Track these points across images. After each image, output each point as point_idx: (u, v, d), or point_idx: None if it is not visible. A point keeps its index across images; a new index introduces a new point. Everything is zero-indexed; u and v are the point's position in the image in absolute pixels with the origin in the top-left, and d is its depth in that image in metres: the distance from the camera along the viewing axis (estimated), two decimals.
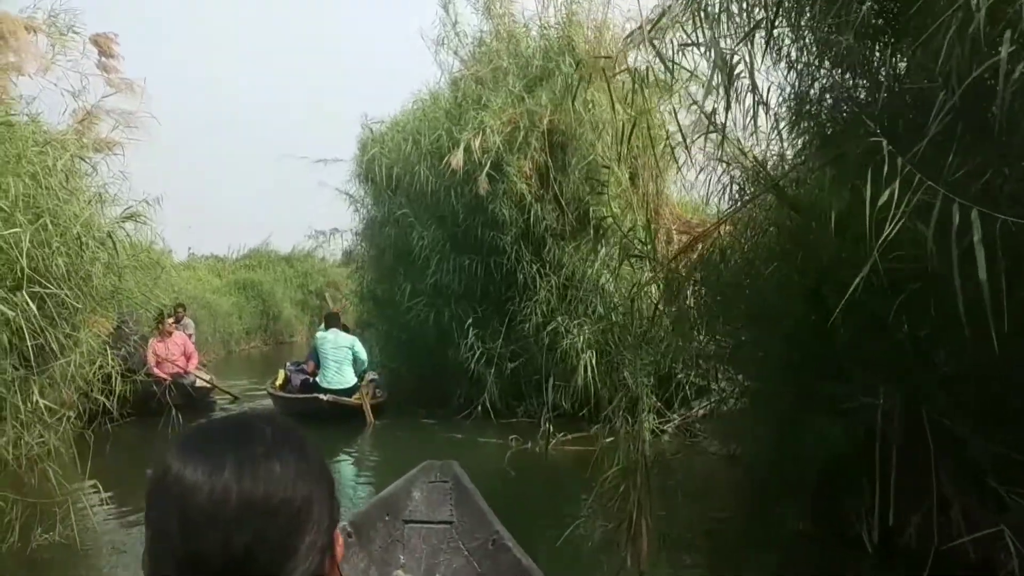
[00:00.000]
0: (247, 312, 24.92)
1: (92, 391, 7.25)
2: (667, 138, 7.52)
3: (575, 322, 8.67)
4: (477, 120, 9.06)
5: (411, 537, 3.52)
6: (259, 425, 0.83)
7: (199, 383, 11.67)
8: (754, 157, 4.34)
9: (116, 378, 7.47)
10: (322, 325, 11.33)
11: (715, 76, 3.54)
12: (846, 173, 3.25)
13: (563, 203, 9.12)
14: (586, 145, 9.08)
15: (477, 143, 8.74)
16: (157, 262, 10.57)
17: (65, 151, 5.57)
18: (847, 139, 3.38)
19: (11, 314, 4.31)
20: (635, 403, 8.22)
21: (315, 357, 10.48)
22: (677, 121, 4.65)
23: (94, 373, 7.29)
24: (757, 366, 5.39)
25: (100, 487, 7.02)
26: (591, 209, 9.21)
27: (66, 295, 5.04)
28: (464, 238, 9.78)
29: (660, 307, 8.61)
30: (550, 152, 9.13)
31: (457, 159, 8.57)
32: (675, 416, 8.36)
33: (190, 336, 12.90)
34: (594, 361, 8.32)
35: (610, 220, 6.12)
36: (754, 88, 4.20)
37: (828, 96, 3.87)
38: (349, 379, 10.12)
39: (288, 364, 11.74)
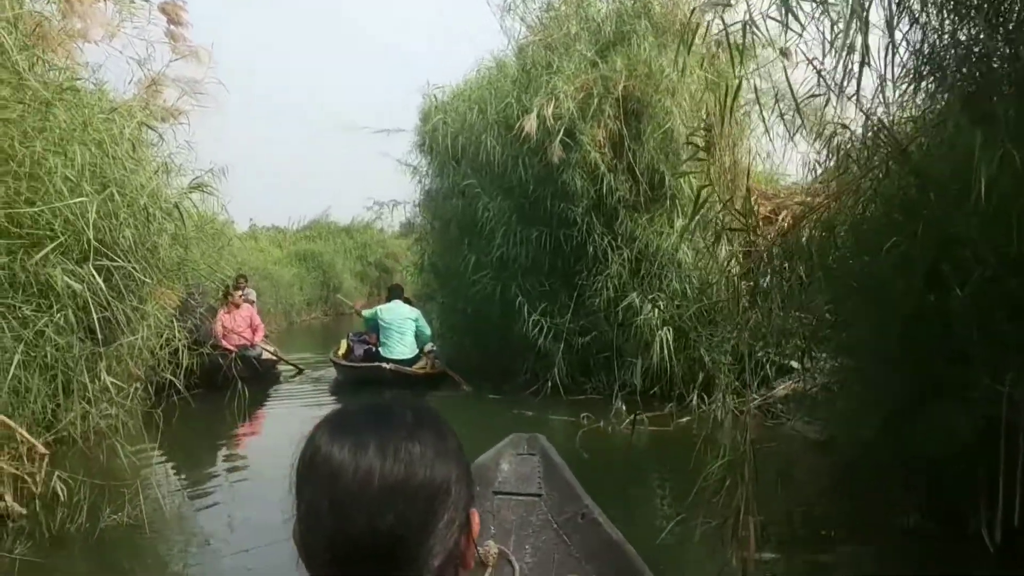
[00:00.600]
0: (308, 283, 25.08)
1: (159, 365, 7.18)
2: (758, 102, 7.04)
3: (649, 297, 8.30)
4: (549, 86, 8.68)
5: (500, 508, 3.49)
6: (400, 409, 0.86)
7: (265, 355, 11.65)
8: (878, 120, 3.93)
9: (183, 351, 7.39)
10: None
11: (851, 24, 3.14)
12: (994, 137, 2.84)
13: (637, 173, 8.71)
14: (662, 112, 8.65)
15: (549, 110, 8.38)
16: (222, 233, 10.57)
17: (132, 119, 5.38)
18: (993, 99, 2.97)
19: (78, 287, 4.15)
20: (738, 392, 7.85)
21: (376, 328, 10.61)
22: (789, 82, 4.22)
23: (161, 346, 7.21)
24: (862, 346, 4.98)
25: (168, 464, 6.99)
26: (667, 179, 8.78)
27: (133, 268, 4.86)
28: (532, 210, 9.46)
29: (743, 281, 8.23)
30: (624, 120, 8.72)
31: (531, 123, 8.22)
32: (755, 396, 7.97)
33: (251, 304, 12.85)
34: (671, 339, 7.95)
35: (709, 189, 5.70)
36: (866, 47, 3.80)
37: (965, 51, 3.43)
38: (411, 351, 10.35)
39: (350, 334, 11.88)
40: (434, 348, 10.81)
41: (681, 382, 8.30)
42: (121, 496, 4.72)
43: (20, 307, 3.82)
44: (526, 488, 3.51)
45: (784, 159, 9.53)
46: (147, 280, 6.45)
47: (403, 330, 10.40)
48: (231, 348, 10.16)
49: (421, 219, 14.87)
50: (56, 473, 4.64)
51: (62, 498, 4.65)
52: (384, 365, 9.74)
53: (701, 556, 4.05)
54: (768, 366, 8.03)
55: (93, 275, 4.35)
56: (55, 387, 4.16)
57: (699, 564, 4.07)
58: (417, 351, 10.44)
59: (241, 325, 11.49)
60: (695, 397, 8.10)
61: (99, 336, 5.15)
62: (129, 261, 4.94)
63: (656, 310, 8.17)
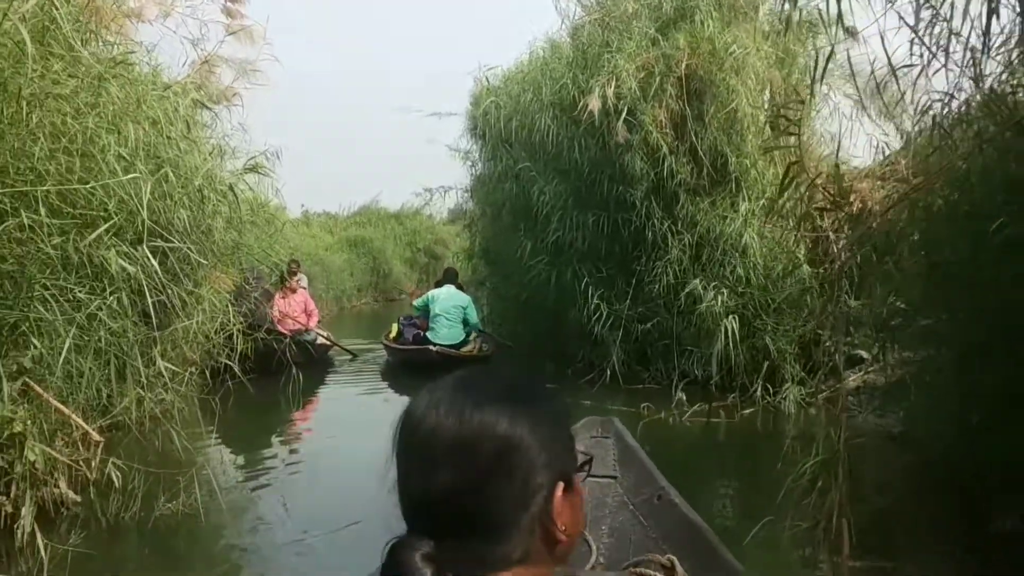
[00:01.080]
0: (358, 269, 25.18)
1: (214, 349, 7.10)
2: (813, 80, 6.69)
3: (712, 284, 7.99)
4: (610, 65, 8.39)
5: None
6: (489, 374, 0.90)
7: (320, 340, 11.64)
8: (990, 89, 3.60)
9: (238, 335, 7.30)
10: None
11: None
12: None
13: (700, 155, 8.38)
14: (726, 91, 8.30)
15: (611, 89, 8.09)
16: (275, 218, 10.52)
17: (185, 97, 5.25)
18: None
19: (132, 270, 4.02)
20: (804, 383, 7.47)
21: (426, 312, 10.77)
22: (886, 50, 3.89)
23: (216, 331, 7.13)
24: (949, 336, 4.65)
25: (224, 450, 6.91)
26: (731, 161, 8.44)
27: (189, 249, 4.72)
28: (589, 193, 9.19)
29: (809, 268, 7.88)
30: (687, 100, 8.40)
31: (595, 101, 7.95)
32: (823, 388, 7.63)
33: (304, 289, 12.86)
34: (736, 327, 7.64)
35: (797, 167, 5.38)
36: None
37: None
38: (458, 336, 10.48)
39: (401, 318, 11.97)
40: (482, 332, 11.00)
41: (743, 372, 7.98)
42: (176, 484, 4.61)
43: (73, 289, 3.70)
44: (601, 470, 3.46)
45: (850, 141, 9.09)
46: (202, 262, 6.36)
47: (452, 316, 10.52)
48: (286, 333, 10.11)
49: (471, 205, 14.80)
50: (111, 460, 4.54)
51: (117, 485, 4.56)
52: (431, 348, 9.90)
53: (790, 560, 3.79)
54: (837, 356, 7.68)
55: (148, 257, 4.21)
56: (109, 372, 4.04)
57: (788, 569, 3.81)
58: (464, 336, 10.59)
59: (296, 310, 11.50)
60: (759, 388, 7.79)
61: (154, 320, 5.05)
62: (184, 243, 4.79)
63: (719, 297, 7.85)
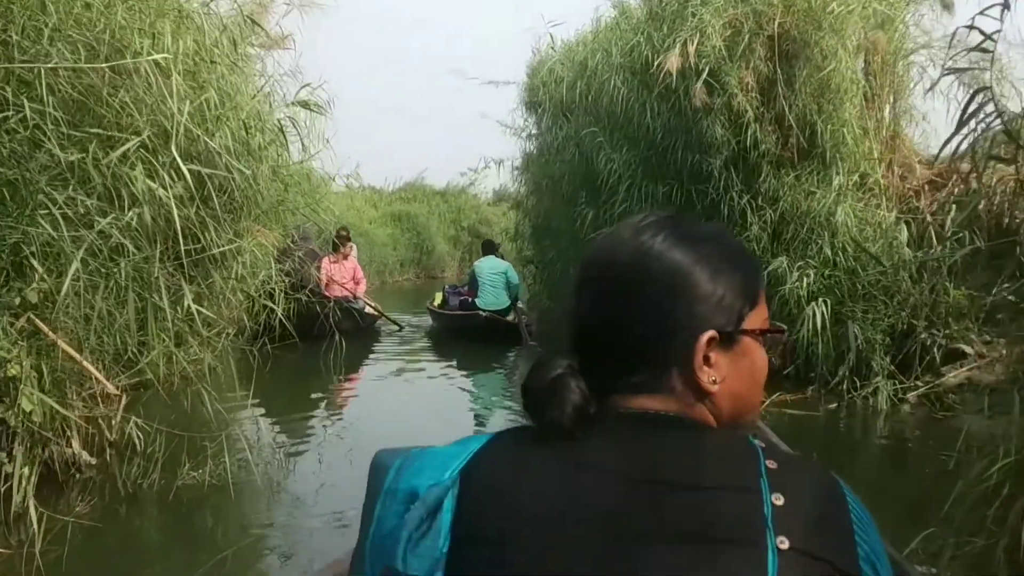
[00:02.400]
0: (402, 244, 24.79)
1: (254, 308, 6.58)
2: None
3: (797, 265, 7.26)
4: (695, 19, 7.65)
5: None
6: (679, 218, 0.89)
7: (367, 309, 11.19)
8: None
9: (279, 295, 6.76)
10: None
11: None
12: None
13: (792, 122, 7.63)
14: (821, 54, 7.53)
15: (693, 46, 7.37)
16: (322, 183, 10.02)
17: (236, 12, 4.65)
18: None
19: (163, 193, 3.42)
20: (893, 376, 6.65)
21: (474, 281, 11.22)
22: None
23: (257, 287, 6.60)
24: None
25: (259, 416, 6.38)
26: (821, 131, 7.67)
27: (231, 178, 4.13)
28: (660, 162, 8.48)
29: (910, 252, 7.12)
30: (777, 62, 7.64)
31: (674, 60, 7.23)
32: (918, 383, 6.89)
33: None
34: (827, 312, 6.91)
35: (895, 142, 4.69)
36: None
37: None
38: (503, 301, 10.98)
39: (446, 287, 12.54)
40: (522, 305, 11.46)
41: (824, 362, 7.24)
42: (204, 450, 4.06)
43: (79, 199, 3.10)
44: None
45: (947, 117, 8.24)
46: (243, 209, 5.82)
47: (496, 283, 11.01)
48: (330, 297, 9.59)
49: (518, 185, 14.36)
50: (132, 419, 4.00)
51: (139, 447, 4.02)
52: (480, 313, 10.43)
53: None
54: (935, 349, 6.93)
55: (183, 175, 3.60)
56: (131, 317, 3.46)
57: None
58: (509, 302, 11.05)
59: (346, 276, 11.05)
60: (845, 381, 7.05)
61: (186, 268, 4.50)
62: (228, 175, 4.21)
63: (804, 279, 7.12)
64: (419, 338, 11.69)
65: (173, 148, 3.42)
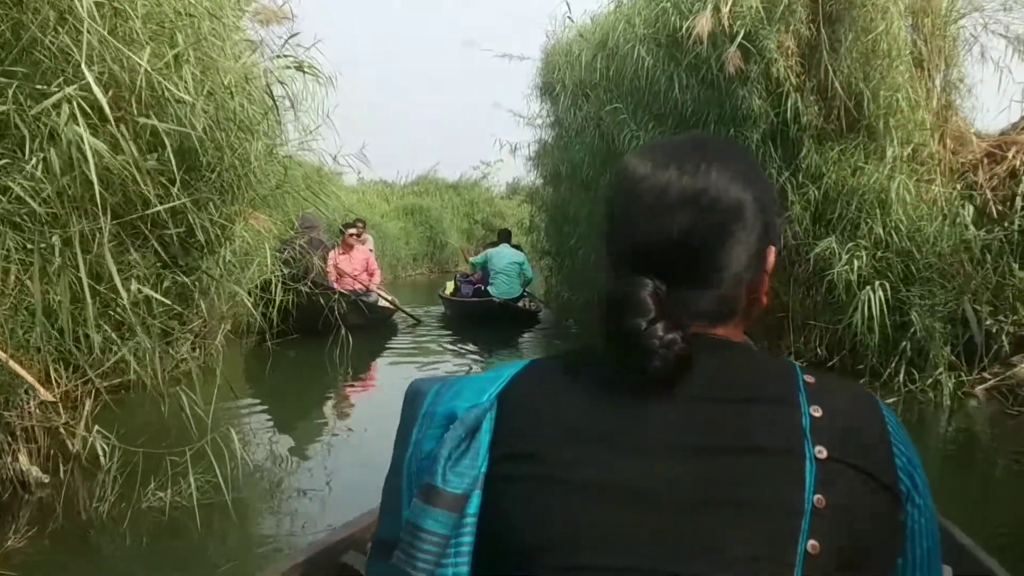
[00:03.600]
0: (414, 238, 24.27)
1: (248, 300, 5.99)
2: None
3: (847, 247, 6.60)
4: None
5: None
6: (708, 138, 0.91)
7: (382, 303, 10.53)
8: None
9: (275, 286, 6.17)
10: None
11: None
12: None
13: (836, 92, 6.95)
14: (869, 16, 6.86)
15: (726, 7, 6.70)
16: (330, 179, 9.46)
17: None
18: None
19: (102, 147, 2.78)
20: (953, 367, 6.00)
21: (486, 269, 11.29)
22: None
23: (250, 278, 6.01)
24: None
25: (253, 421, 5.77)
26: (869, 101, 6.99)
27: (222, 157, 3.50)
28: None
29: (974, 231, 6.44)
30: (820, 24, 6.97)
31: (705, 22, 6.58)
32: (985, 375, 6.22)
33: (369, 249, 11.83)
34: (884, 298, 6.25)
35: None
36: None
37: None
38: (516, 290, 11.09)
39: (457, 276, 12.69)
40: (531, 293, 11.70)
41: (875, 352, 6.56)
42: (183, 464, 3.44)
43: None
44: None
45: (999, 89, 7.56)
46: (236, 188, 5.22)
47: (511, 272, 11.08)
48: (336, 289, 8.99)
49: (532, 175, 13.94)
50: (96, 429, 3.40)
51: (103, 463, 3.42)
52: (494, 299, 10.60)
53: None
54: (1003, 337, 6.26)
55: (139, 134, 2.98)
56: (66, 303, 2.83)
57: None
58: (520, 291, 11.20)
59: (357, 267, 10.41)
60: (903, 373, 6.38)
61: (162, 254, 3.90)
62: (203, 139, 3.59)
63: (855, 262, 6.45)
64: (434, 328, 11.15)
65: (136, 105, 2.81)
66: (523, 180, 21.90)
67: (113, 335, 3.45)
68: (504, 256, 11.21)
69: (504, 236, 11.88)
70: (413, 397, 1.01)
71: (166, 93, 3.23)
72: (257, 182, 6.19)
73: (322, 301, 7.40)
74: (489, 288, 10.97)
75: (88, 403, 3.62)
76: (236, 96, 4.30)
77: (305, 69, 4.99)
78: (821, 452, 0.72)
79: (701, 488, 0.73)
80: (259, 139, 5.53)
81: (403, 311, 11.14)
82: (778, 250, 0.86)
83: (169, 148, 3.32)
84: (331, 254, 10.23)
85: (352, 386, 7.22)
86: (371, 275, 10.73)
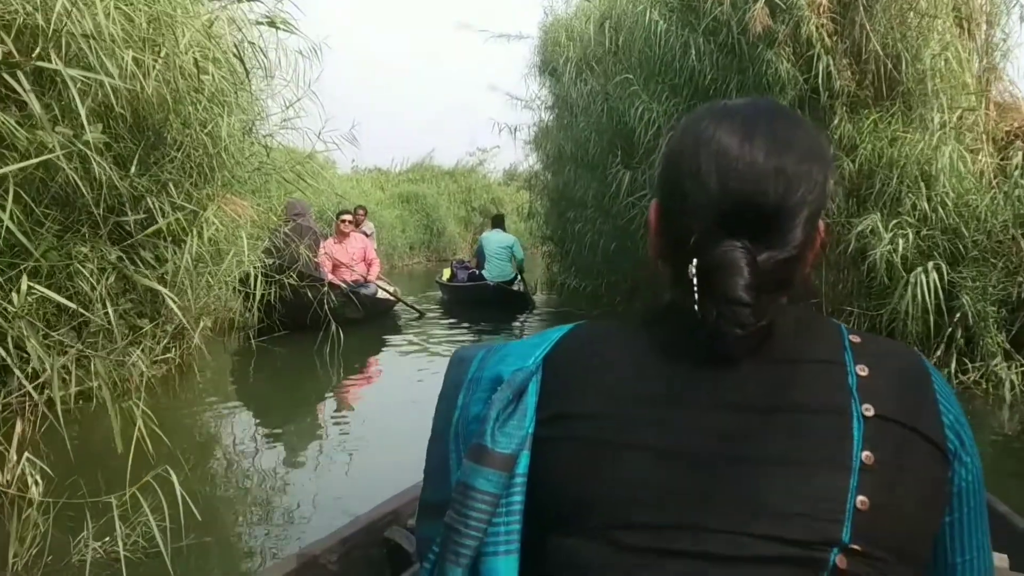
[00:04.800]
0: (411, 226, 23.60)
1: (221, 294, 5.38)
2: None
3: (892, 224, 5.96)
4: None
5: None
6: (779, 105, 0.87)
7: (381, 294, 9.82)
8: None
9: (256, 279, 5.53)
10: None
11: None
12: None
13: (873, 53, 6.29)
14: None
15: None
16: (323, 169, 8.79)
17: None
18: None
19: None
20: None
21: (480, 254, 11.57)
22: None
23: (228, 270, 5.38)
24: None
25: (227, 431, 5.13)
26: (908, 64, 6.35)
27: (188, 134, 2.86)
28: None
29: None
30: None
31: None
32: None
33: (369, 237, 11.11)
34: (937, 280, 5.61)
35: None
36: None
37: None
38: (509, 272, 11.35)
39: (453, 262, 12.77)
40: (523, 278, 11.82)
41: (915, 339, 5.94)
42: (131, 501, 2.79)
43: None
44: None
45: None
46: (206, 168, 4.61)
47: (502, 255, 11.31)
48: (324, 280, 8.33)
49: (531, 160, 13.53)
50: (25, 456, 2.78)
51: (37, 499, 2.80)
52: (488, 284, 10.81)
53: None
54: None
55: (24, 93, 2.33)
56: None
57: None
58: (514, 273, 11.43)
59: (355, 257, 9.69)
60: (953, 362, 5.76)
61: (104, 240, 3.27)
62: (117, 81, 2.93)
63: (900, 241, 5.81)
64: (432, 316, 10.53)
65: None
66: (521, 165, 21.60)
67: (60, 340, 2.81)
68: (495, 240, 11.50)
69: (496, 222, 12.20)
70: (458, 364, 0.94)
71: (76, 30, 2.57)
72: (235, 163, 5.57)
73: (309, 294, 6.71)
74: (483, 272, 11.25)
75: (19, 423, 2.99)
76: (190, 53, 3.63)
77: (278, 24, 4.32)
78: (868, 410, 0.74)
79: (750, 446, 0.74)
80: (232, 113, 4.91)
81: (404, 303, 10.44)
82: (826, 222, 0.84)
83: (114, 118, 2.66)
84: (326, 242, 9.61)
85: (344, 386, 6.56)
86: (369, 264, 10.00)
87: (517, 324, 10.20)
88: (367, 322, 8.81)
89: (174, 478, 2.46)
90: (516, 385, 0.81)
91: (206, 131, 4.67)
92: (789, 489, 0.71)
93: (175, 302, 4.55)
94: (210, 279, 5.25)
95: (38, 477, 2.83)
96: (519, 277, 11.63)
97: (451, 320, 10.36)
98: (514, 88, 12.46)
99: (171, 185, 4.06)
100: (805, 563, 0.70)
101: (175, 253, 4.31)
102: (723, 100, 0.87)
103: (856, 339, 0.80)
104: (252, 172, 6.27)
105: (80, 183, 3.40)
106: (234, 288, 5.86)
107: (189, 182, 4.75)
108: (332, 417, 5.71)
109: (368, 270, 9.90)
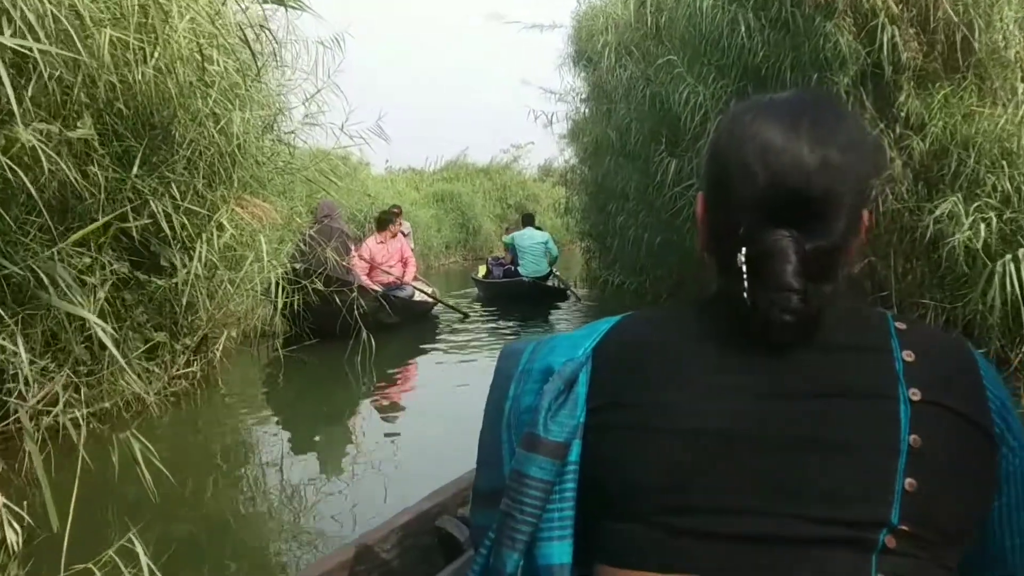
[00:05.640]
0: (446, 225, 23.29)
1: (241, 302, 5.02)
2: None
3: (974, 207, 5.40)
4: None
5: None
6: (825, 98, 0.89)
7: (419, 296, 9.33)
8: None
9: (278, 285, 5.15)
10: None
11: None
12: None
13: (944, 19, 5.73)
14: None
15: None
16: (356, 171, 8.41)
17: None
18: None
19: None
20: None
21: (514, 251, 11.77)
22: None
23: (249, 275, 5.01)
24: None
25: (235, 466, 4.73)
26: (981, 32, 5.77)
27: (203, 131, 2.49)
28: (762, 88, 6.65)
29: None
30: None
31: None
32: None
33: (406, 237, 10.66)
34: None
35: None
36: None
37: None
38: (544, 268, 11.57)
39: (489, 258, 13.10)
40: (557, 275, 12.13)
41: (993, 334, 5.36)
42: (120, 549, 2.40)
43: None
44: None
45: None
46: (218, 169, 4.24)
47: (536, 252, 11.50)
48: (365, 284, 7.89)
49: (566, 155, 13.44)
50: (2, 503, 2.42)
51: (15, 551, 2.45)
52: (524, 279, 11.00)
53: None
54: None
55: None
56: None
57: None
58: (548, 268, 11.66)
59: (392, 258, 9.25)
60: None
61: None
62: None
63: (981, 227, 5.25)
64: (475, 317, 9.99)
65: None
66: (556, 161, 21.56)
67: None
68: (529, 237, 11.67)
69: (528, 220, 12.38)
70: (508, 356, 0.95)
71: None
72: (255, 163, 5.20)
73: (338, 299, 6.27)
74: (518, 268, 11.41)
75: None
76: (191, 39, 3.25)
77: (288, 3, 3.92)
78: (915, 394, 0.75)
79: (801, 431, 0.75)
80: (247, 107, 4.53)
81: (446, 304, 9.95)
82: (872, 212, 0.85)
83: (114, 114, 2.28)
84: (369, 243, 9.23)
85: (375, 397, 6.09)
86: (405, 264, 9.45)
87: (555, 318, 10.16)
88: (404, 327, 8.41)
89: (140, 549, 2.05)
90: (567, 375, 0.83)
91: (218, 127, 4.29)
92: (839, 472, 0.73)
93: (181, 312, 4.19)
94: (230, 286, 4.87)
95: (14, 523, 2.45)
96: (553, 272, 11.84)
97: (491, 319, 10.01)
98: (547, 82, 12.34)
99: (174, 186, 3.68)
100: (856, 544, 0.72)
101: (187, 259, 3.94)
102: (768, 94, 0.86)
103: (902, 326, 0.81)
104: (275, 172, 5.89)
105: (78, 185, 3.05)
106: (258, 295, 5.49)
107: (202, 183, 4.38)
108: (362, 430, 5.30)
109: (404, 271, 9.45)
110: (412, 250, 10.19)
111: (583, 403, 0.81)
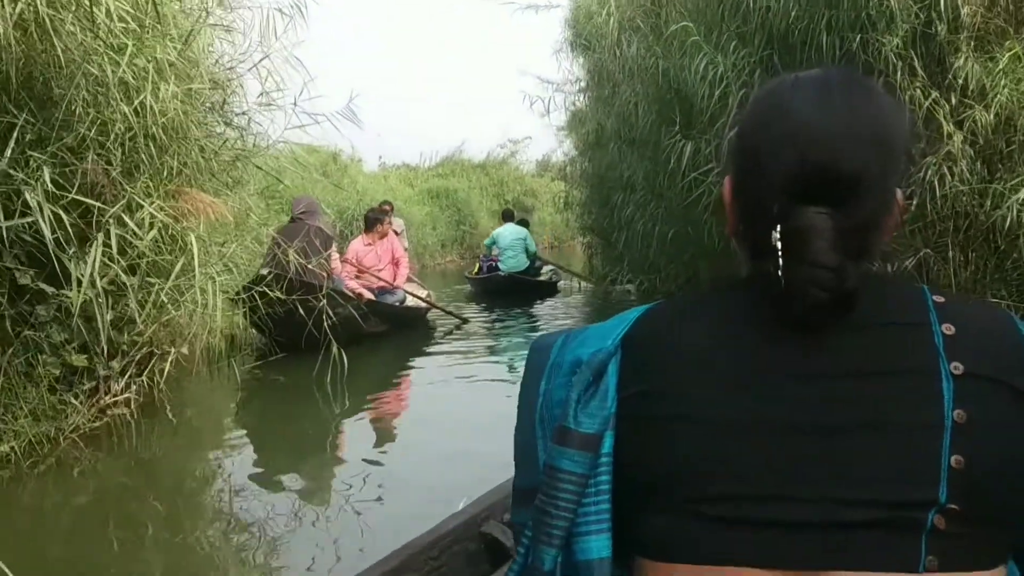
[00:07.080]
0: (442, 222, 22.41)
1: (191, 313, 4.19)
2: None
3: None
4: None
5: None
6: (865, 80, 0.82)
7: (411, 301, 8.43)
8: None
9: (215, 293, 4.28)
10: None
11: None
12: None
13: None
14: None
15: None
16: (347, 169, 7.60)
17: None
18: None
19: None
20: None
21: (495, 248, 12.13)
22: None
23: (184, 286, 4.16)
24: None
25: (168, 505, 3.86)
26: None
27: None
28: (790, 60, 5.82)
29: None
30: None
31: None
32: None
33: (399, 235, 9.70)
34: None
35: None
36: None
37: None
38: (523, 263, 11.92)
39: (481, 256, 13.19)
40: (553, 268, 13.03)
41: None
42: None
43: None
44: None
45: None
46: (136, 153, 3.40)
47: (515, 247, 11.85)
48: (360, 292, 7.04)
49: (564, 147, 13.31)
50: None
51: None
52: (500, 273, 11.57)
53: None
54: None
55: None
56: None
57: None
58: (528, 263, 12.02)
59: (383, 259, 8.32)
60: None
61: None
62: None
63: None
64: (469, 323, 9.15)
65: None
66: (555, 154, 21.21)
67: None
68: (508, 234, 12.00)
69: (508, 216, 12.78)
70: (538, 351, 0.91)
71: None
72: (197, 148, 4.35)
73: (301, 309, 5.32)
74: (499, 265, 11.82)
75: None
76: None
77: None
78: (957, 368, 0.71)
79: (839, 413, 0.72)
80: (165, 76, 3.66)
81: (442, 309, 9.06)
82: (904, 191, 0.81)
83: None
84: (354, 242, 8.40)
85: (350, 420, 5.18)
86: (396, 264, 8.47)
87: (556, 313, 10.16)
88: (391, 335, 7.55)
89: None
90: (595, 366, 0.80)
91: (132, 104, 3.43)
92: (882, 453, 0.70)
93: (105, 327, 3.35)
94: (164, 298, 4.02)
95: None
96: (536, 265, 12.37)
97: (490, 324, 9.51)
98: (544, 71, 11.95)
99: (45, 169, 2.82)
100: (904, 525, 0.69)
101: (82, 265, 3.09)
102: (793, 73, 0.81)
103: (940, 299, 0.76)
104: (226, 163, 5.03)
105: None
106: (209, 307, 4.62)
107: (118, 171, 3.52)
108: (329, 462, 4.44)
109: (395, 273, 8.47)
110: (406, 249, 9.21)
111: (614, 393, 0.79)
